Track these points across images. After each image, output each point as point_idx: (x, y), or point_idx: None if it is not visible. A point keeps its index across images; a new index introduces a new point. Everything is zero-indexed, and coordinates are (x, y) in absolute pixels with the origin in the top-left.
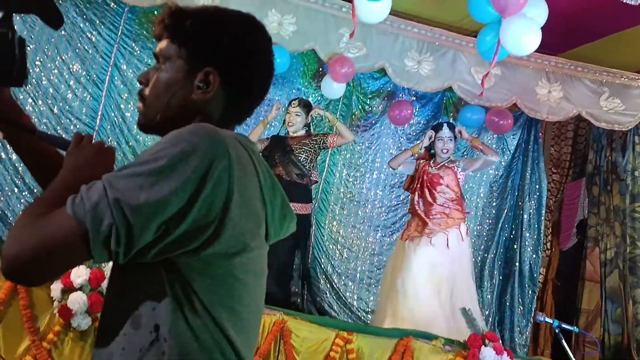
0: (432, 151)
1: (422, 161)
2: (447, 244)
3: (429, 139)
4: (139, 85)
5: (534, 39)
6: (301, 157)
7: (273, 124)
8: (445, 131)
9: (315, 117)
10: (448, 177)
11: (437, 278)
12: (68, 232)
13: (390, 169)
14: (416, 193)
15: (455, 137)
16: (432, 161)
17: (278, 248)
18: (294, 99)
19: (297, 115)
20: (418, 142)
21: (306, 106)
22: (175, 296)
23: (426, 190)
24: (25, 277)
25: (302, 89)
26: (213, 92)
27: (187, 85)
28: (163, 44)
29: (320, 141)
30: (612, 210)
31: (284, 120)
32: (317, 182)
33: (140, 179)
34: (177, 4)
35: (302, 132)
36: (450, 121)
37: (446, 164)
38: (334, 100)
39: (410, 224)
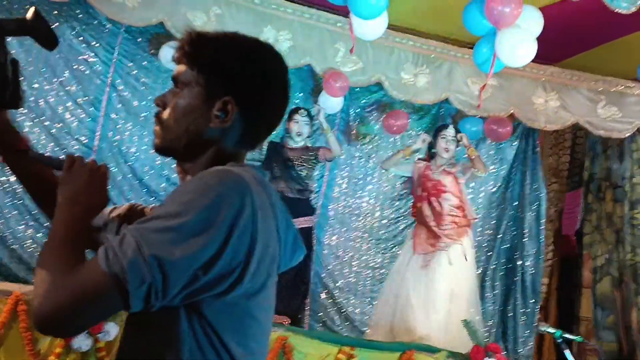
0: (433, 150)
1: (421, 164)
2: (465, 257)
3: (422, 142)
4: (136, 105)
5: (530, 50)
6: (302, 173)
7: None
8: (450, 131)
9: (319, 123)
10: (450, 183)
11: (449, 292)
12: (105, 289)
13: (382, 169)
14: (424, 202)
15: (458, 141)
16: (432, 162)
17: None
18: (299, 108)
19: (305, 124)
20: (410, 142)
21: (310, 115)
22: (196, 336)
23: (433, 199)
24: (62, 332)
25: (299, 102)
26: (231, 122)
27: (205, 113)
28: (182, 68)
29: (316, 155)
30: (605, 217)
31: (287, 129)
32: (312, 191)
33: (172, 234)
34: (196, 30)
35: (302, 143)
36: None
37: (446, 168)
38: (331, 114)
39: (420, 235)
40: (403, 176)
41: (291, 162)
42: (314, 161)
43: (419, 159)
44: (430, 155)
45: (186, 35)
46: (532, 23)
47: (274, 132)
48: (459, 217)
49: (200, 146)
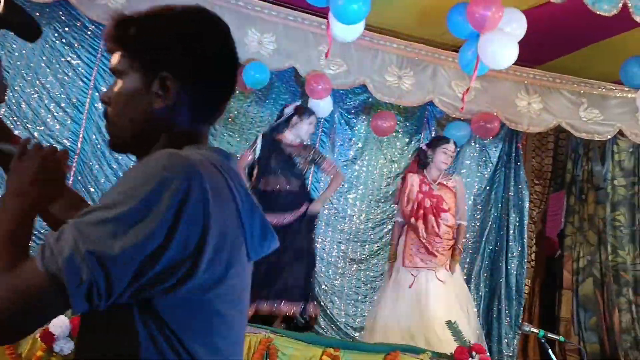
0: (428, 161)
1: (414, 179)
2: (442, 279)
3: (423, 150)
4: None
5: (512, 53)
6: (303, 169)
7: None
8: (451, 145)
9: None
10: (449, 199)
11: (444, 311)
12: (43, 289)
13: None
14: (419, 220)
15: (454, 153)
16: (426, 173)
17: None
18: (306, 109)
19: (314, 127)
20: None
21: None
22: (151, 336)
23: (431, 217)
24: (2, 336)
25: (285, 103)
26: (173, 97)
27: (146, 96)
28: (115, 58)
29: (317, 157)
30: (586, 219)
31: (292, 125)
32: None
33: (111, 226)
34: (120, 12)
35: (299, 141)
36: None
37: (444, 182)
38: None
39: (410, 248)
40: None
41: (290, 159)
42: (311, 160)
43: (408, 171)
44: (423, 164)
45: (110, 20)
46: (515, 26)
47: (267, 126)
48: (452, 240)
49: (150, 133)
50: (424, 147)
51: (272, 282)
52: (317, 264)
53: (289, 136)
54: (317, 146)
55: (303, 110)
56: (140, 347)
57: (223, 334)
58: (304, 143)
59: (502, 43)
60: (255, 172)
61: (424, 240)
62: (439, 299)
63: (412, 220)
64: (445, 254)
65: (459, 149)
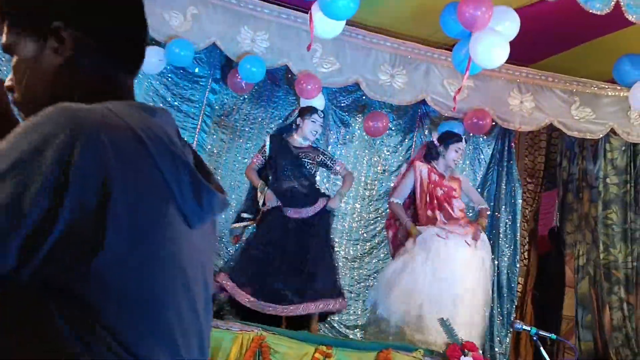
0: (438, 155)
1: (422, 169)
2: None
3: (434, 144)
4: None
5: (502, 53)
6: (313, 170)
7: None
8: (463, 144)
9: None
10: (458, 187)
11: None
12: None
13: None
14: (435, 210)
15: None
16: (434, 165)
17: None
18: (317, 109)
19: (321, 126)
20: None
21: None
22: (71, 325)
23: (446, 205)
24: None
25: (279, 102)
26: (71, 48)
27: (46, 58)
28: (4, 34)
29: (327, 159)
30: (583, 217)
31: (299, 128)
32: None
33: None
34: None
35: (308, 143)
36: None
37: (453, 175)
38: None
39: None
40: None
41: (301, 161)
42: (320, 162)
43: (418, 161)
44: (430, 157)
45: None
46: (507, 24)
47: (276, 128)
48: (465, 218)
49: (60, 95)
50: (435, 142)
51: (302, 283)
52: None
53: (298, 138)
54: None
55: (305, 111)
56: (61, 340)
57: (161, 313)
58: (313, 145)
59: (492, 42)
60: (265, 173)
61: (445, 225)
62: (466, 265)
63: (429, 212)
64: (466, 230)
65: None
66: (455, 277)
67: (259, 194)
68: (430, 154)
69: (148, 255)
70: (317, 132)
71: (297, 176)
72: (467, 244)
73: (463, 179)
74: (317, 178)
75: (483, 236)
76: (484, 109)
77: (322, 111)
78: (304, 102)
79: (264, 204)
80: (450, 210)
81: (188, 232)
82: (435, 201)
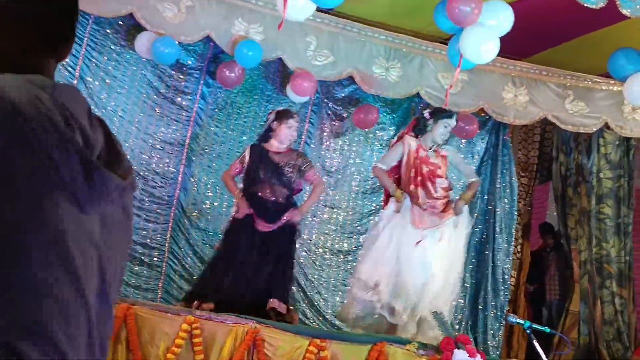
0: (428, 129)
1: (411, 143)
2: (441, 237)
3: (424, 117)
4: (105, 97)
5: (492, 48)
6: (292, 177)
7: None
8: (453, 121)
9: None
10: (443, 165)
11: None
12: None
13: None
14: (418, 187)
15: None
16: (422, 140)
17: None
18: (290, 112)
19: (296, 130)
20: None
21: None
22: None
23: (428, 184)
24: None
25: (272, 95)
26: None
27: None
28: None
29: (303, 164)
30: (582, 212)
31: (274, 133)
32: (301, 190)
33: None
34: None
35: (285, 146)
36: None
37: (439, 150)
38: (303, 107)
39: (415, 209)
40: None
41: (280, 167)
42: (299, 166)
43: (408, 134)
44: (419, 131)
45: None
46: (500, 19)
47: (254, 137)
48: (447, 197)
49: None
50: (427, 115)
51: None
52: (295, 267)
53: (275, 143)
54: (302, 142)
55: (282, 115)
56: None
57: (40, 308)
58: (291, 148)
59: (482, 38)
60: (242, 183)
61: (425, 206)
62: (437, 255)
63: (412, 187)
64: (444, 212)
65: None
66: (420, 267)
67: (234, 201)
68: (419, 127)
69: (21, 240)
70: (292, 136)
71: (274, 185)
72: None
73: (451, 153)
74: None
75: (465, 211)
76: (471, 115)
77: (296, 114)
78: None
79: (237, 211)
80: (432, 189)
81: (79, 216)
82: (419, 178)
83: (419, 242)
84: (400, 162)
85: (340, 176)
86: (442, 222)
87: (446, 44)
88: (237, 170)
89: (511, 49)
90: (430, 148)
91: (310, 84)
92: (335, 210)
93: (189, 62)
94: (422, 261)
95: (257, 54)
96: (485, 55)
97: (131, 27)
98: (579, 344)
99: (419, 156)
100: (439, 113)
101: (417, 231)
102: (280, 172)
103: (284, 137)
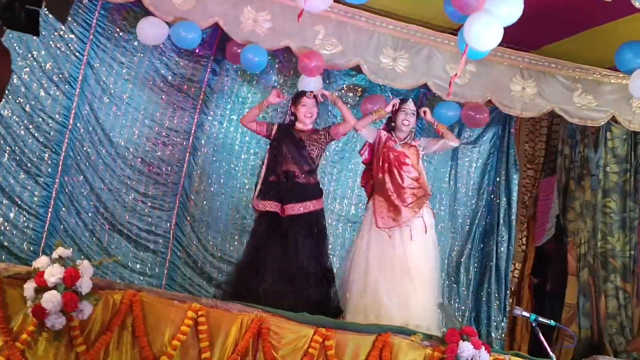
0: (393, 124)
1: (383, 133)
2: (426, 230)
3: (392, 106)
4: (112, 84)
5: (494, 35)
6: (314, 153)
7: (276, 113)
8: (410, 105)
9: (320, 97)
10: (412, 155)
11: (415, 269)
12: None
13: (355, 130)
14: (385, 174)
15: (417, 115)
16: (393, 134)
17: (296, 252)
18: (304, 91)
19: (313, 106)
20: (381, 107)
21: (316, 98)
22: None
23: (395, 171)
24: None
25: (278, 86)
26: None
27: None
28: None
29: (326, 134)
30: (584, 205)
31: (293, 113)
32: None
33: None
34: None
35: (310, 126)
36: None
37: (409, 142)
38: None
39: (381, 209)
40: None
41: (302, 143)
42: (324, 140)
43: (381, 128)
44: (390, 127)
45: None
46: (507, 7)
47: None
48: (417, 189)
49: None
50: (391, 114)
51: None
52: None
53: (298, 125)
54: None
55: (295, 96)
56: None
57: None
58: (315, 128)
59: (485, 24)
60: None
61: (392, 195)
62: (408, 253)
63: (380, 175)
64: (413, 206)
65: (450, 126)
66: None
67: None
68: (389, 125)
69: None
70: (311, 114)
71: (297, 160)
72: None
73: (421, 141)
74: (319, 162)
75: (427, 212)
76: (482, 104)
77: (311, 91)
78: (303, 84)
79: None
80: (398, 178)
81: None
82: (386, 165)
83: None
84: (371, 153)
85: (344, 166)
86: (407, 220)
87: (456, 34)
88: (261, 128)
89: (520, 40)
90: (402, 140)
91: (318, 63)
92: (338, 199)
93: (197, 49)
94: (397, 265)
95: (262, 58)
96: (487, 42)
97: (139, 14)
98: (579, 337)
99: (387, 145)
100: (399, 104)
101: (383, 232)
102: (302, 146)
103: (302, 117)
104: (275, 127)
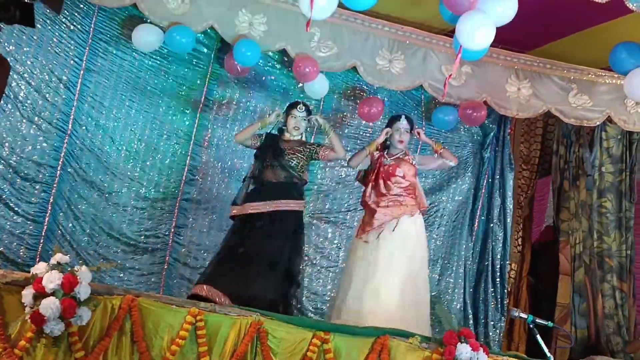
0: (388, 142)
1: (376, 153)
2: (394, 228)
3: (385, 135)
4: (111, 88)
5: (486, 34)
6: (292, 162)
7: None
8: (403, 123)
9: (314, 122)
10: (405, 167)
11: (395, 269)
12: None
13: (350, 168)
14: (369, 185)
15: (411, 130)
16: (386, 152)
17: (266, 248)
18: (297, 103)
19: (303, 119)
20: (374, 140)
21: (309, 111)
22: None
23: (381, 182)
24: None
25: (283, 91)
26: None
27: None
28: None
29: (312, 151)
30: (580, 205)
31: (285, 123)
32: (307, 182)
33: None
34: None
35: (298, 137)
36: (409, 115)
37: (401, 156)
38: (306, 100)
39: (364, 219)
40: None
41: (283, 152)
42: (309, 155)
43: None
44: (385, 146)
45: None
46: (503, 5)
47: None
48: (406, 197)
49: None
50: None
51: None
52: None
53: (286, 135)
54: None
55: (288, 107)
56: None
57: None
58: (302, 140)
59: (477, 23)
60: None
61: (370, 203)
62: (382, 250)
63: (364, 189)
64: (392, 209)
65: (446, 132)
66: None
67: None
68: (383, 144)
69: None
70: (298, 127)
71: (274, 166)
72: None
73: (417, 157)
74: (302, 173)
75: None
76: (479, 101)
77: (303, 104)
78: (308, 89)
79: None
80: (382, 187)
81: None
82: (373, 177)
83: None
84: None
85: (342, 168)
86: (386, 223)
87: (451, 36)
88: (253, 143)
89: (515, 41)
90: (394, 155)
91: (313, 68)
92: (334, 202)
93: (196, 53)
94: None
95: (255, 53)
96: (479, 40)
97: (136, 18)
98: (576, 337)
99: (379, 161)
100: (391, 121)
101: (359, 241)
102: (283, 155)
103: (290, 127)
104: (262, 137)
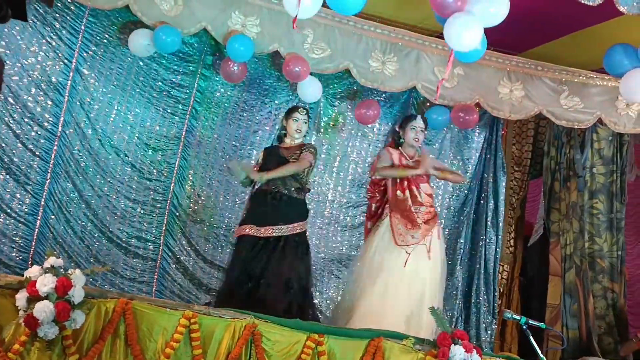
0: (402, 140)
1: (395, 153)
2: (429, 248)
3: (423, 169)
4: (101, 90)
5: (474, 35)
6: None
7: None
8: (419, 122)
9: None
10: (425, 177)
11: (421, 282)
12: None
13: (373, 177)
14: (405, 192)
15: (425, 129)
16: (403, 150)
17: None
18: (297, 107)
19: (304, 122)
20: (409, 169)
21: (308, 114)
22: None
23: (414, 188)
24: None
25: (269, 88)
26: None
27: None
28: None
29: (303, 150)
30: (571, 206)
31: (285, 128)
32: (310, 190)
33: None
34: None
35: (299, 140)
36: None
37: (418, 159)
38: (300, 101)
39: (397, 225)
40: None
41: (287, 160)
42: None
43: (387, 146)
44: (397, 144)
45: None
46: (493, 7)
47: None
48: (430, 207)
49: None
50: (397, 128)
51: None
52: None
53: (287, 140)
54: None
55: (288, 110)
56: None
57: None
58: (301, 143)
59: (464, 24)
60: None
61: (410, 213)
62: (423, 271)
63: (399, 192)
64: (430, 223)
65: (438, 132)
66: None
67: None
68: (396, 142)
69: None
70: (300, 129)
71: (283, 178)
72: (428, 252)
73: (427, 156)
74: (306, 177)
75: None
76: (471, 105)
77: (304, 108)
78: (303, 92)
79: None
80: (417, 194)
81: None
82: (406, 182)
83: (406, 261)
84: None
85: (337, 169)
86: (423, 238)
87: (442, 38)
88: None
89: (506, 43)
90: (412, 158)
91: (303, 68)
92: (328, 204)
93: (186, 55)
94: (412, 282)
95: (249, 49)
96: (466, 41)
97: (128, 21)
98: (567, 338)
99: (402, 163)
100: (406, 120)
101: (401, 249)
102: (286, 163)
103: (292, 131)
104: (262, 154)
